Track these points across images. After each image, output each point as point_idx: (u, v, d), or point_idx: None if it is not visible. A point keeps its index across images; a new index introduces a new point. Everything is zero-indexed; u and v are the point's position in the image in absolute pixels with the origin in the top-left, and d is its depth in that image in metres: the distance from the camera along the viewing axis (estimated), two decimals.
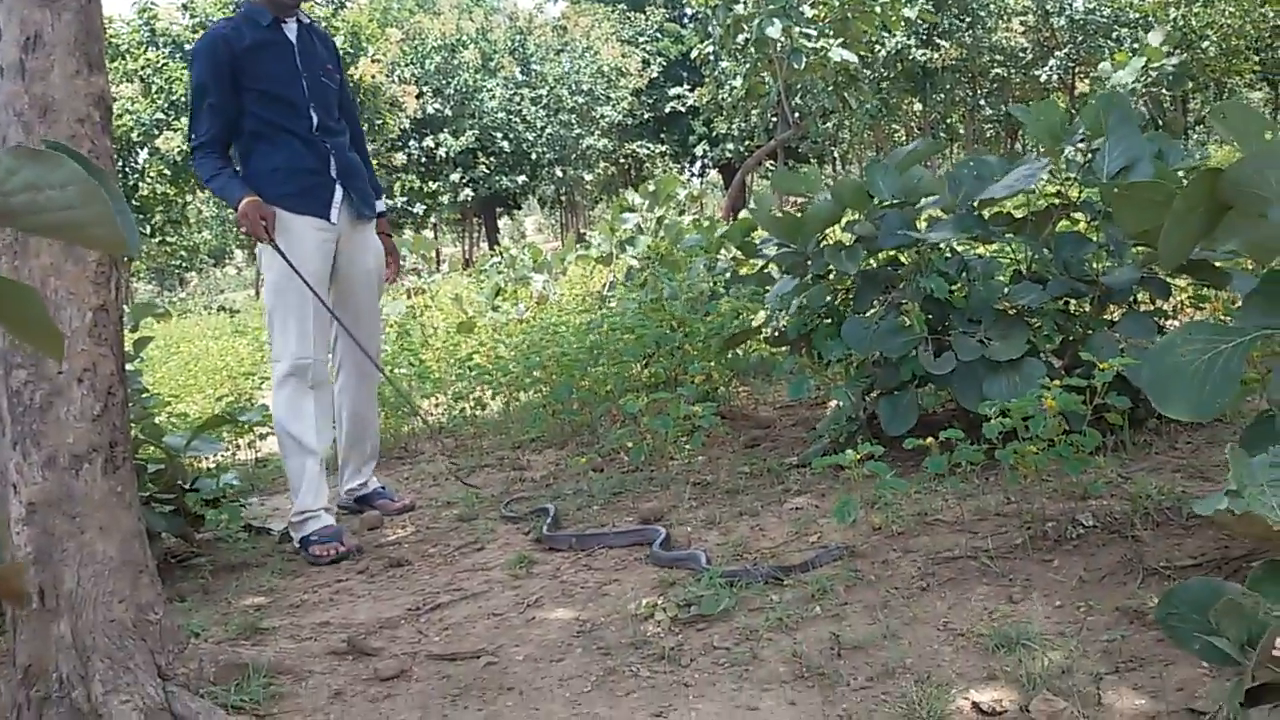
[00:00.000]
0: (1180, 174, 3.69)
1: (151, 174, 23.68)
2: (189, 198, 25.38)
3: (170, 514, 3.86)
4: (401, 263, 4.61)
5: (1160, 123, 21.59)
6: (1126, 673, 2.16)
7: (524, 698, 2.41)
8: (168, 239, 26.27)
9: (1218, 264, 3.85)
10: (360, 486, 4.32)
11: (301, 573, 3.66)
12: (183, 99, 20.80)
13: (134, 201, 23.40)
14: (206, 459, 4.91)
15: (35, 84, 2.45)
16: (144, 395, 4.24)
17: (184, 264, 35.60)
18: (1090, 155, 3.90)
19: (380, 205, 4.18)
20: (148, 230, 24.36)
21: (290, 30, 3.88)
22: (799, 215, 4.41)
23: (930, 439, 3.15)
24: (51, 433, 2.47)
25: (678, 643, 2.59)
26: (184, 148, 21.28)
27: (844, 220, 4.48)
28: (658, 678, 2.43)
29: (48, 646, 2.45)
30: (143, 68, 22.86)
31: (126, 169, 23.38)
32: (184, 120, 20.91)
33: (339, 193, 3.92)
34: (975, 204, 3.96)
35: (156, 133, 22.65)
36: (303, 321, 3.81)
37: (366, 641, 2.82)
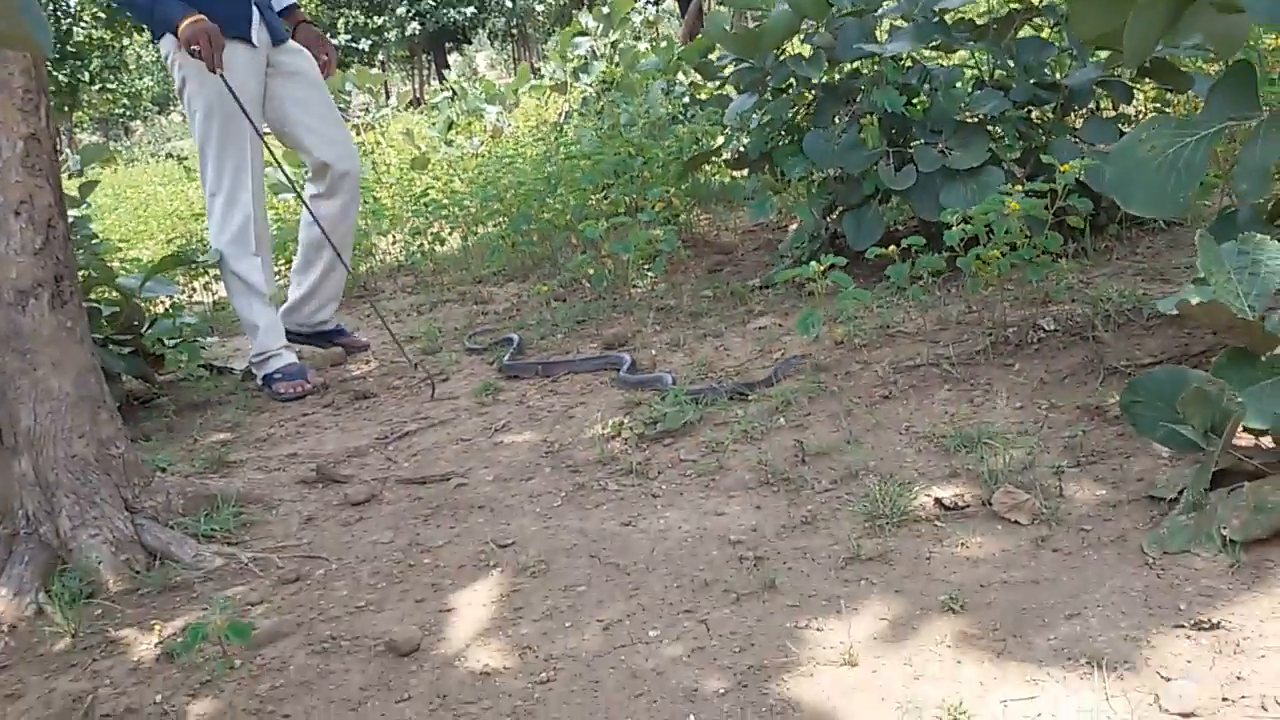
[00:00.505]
0: None
1: (86, 18, 22.69)
2: (126, 41, 24.40)
3: (129, 355, 3.81)
4: (338, 100, 4.36)
5: None
6: (1087, 465, 2.20)
7: (495, 514, 2.43)
8: (108, 85, 25.36)
9: (1181, 67, 3.80)
10: (324, 322, 4.18)
11: (266, 408, 3.64)
12: None
13: (69, 47, 22.49)
14: (162, 301, 4.82)
15: None
16: (94, 240, 4.12)
17: (127, 111, 34.52)
18: None
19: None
20: (86, 77, 23.50)
21: None
22: (756, 29, 4.27)
23: (892, 248, 3.13)
24: None
25: (645, 458, 2.61)
26: None
27: (802, 33, 4.35)
28: (626, 490, 2.45)
29: (10, 484, 2.44)
30: None
31: (58, 12, 22.39)
32: None
33: (256, 13, 3.70)
34: (935, 10, 3.84)
35: None
36: (240, 151, 3.65)
37: (335, 470, 2.83)
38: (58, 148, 2.59)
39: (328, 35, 3.88)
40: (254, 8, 3.68)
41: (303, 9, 4.08)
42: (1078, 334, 2.88)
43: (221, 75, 3.51)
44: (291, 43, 3.86)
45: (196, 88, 3.60)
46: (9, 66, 2.41)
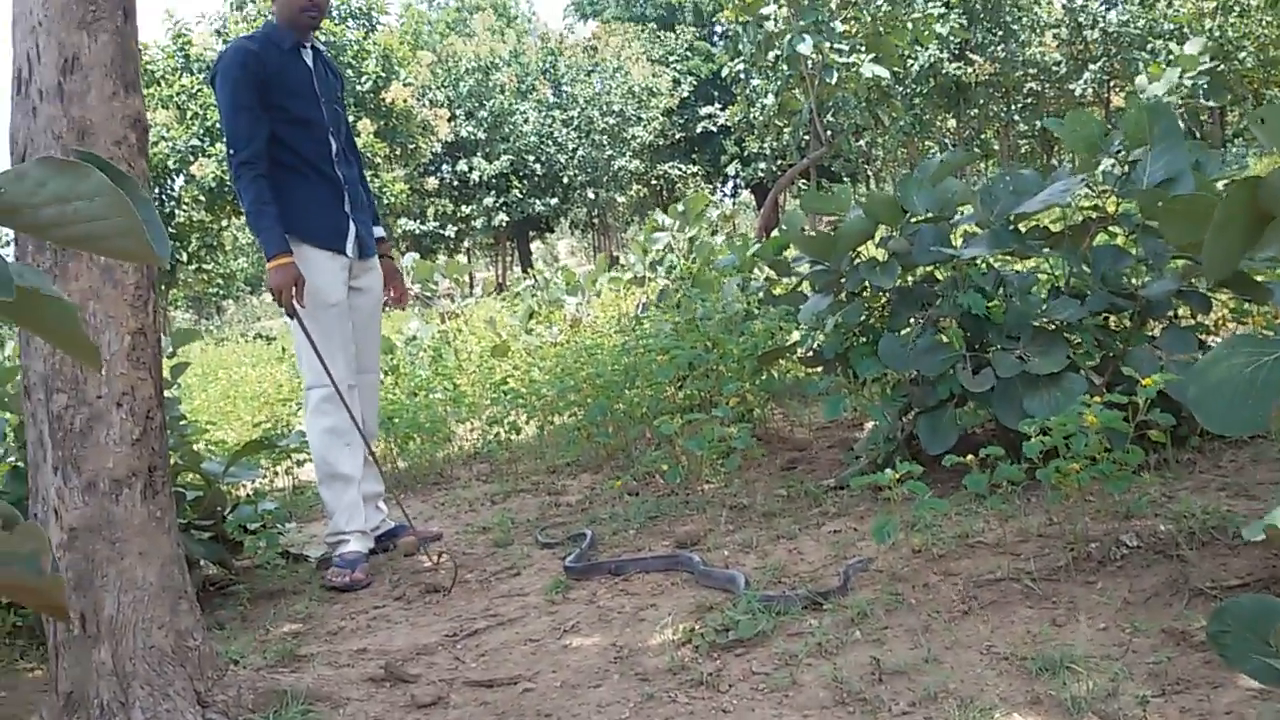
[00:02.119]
0: (1219, 185, 3.64)
1: (187, 200, 23.86)
2: (225, 223, 25.54)
3: (209, 541, 3.88)
4: (426, 288, 4.59)
5: (1198, 135, 21.31)
6: (1173, 695, 2.12)
7: None
8: (204, 266, 26.39)
9: (1259, 277, 3.80)
10: (380, 524, 4.22)
11: (339, 599, 3.66)
12: (217, 125, 20.82)
13: (170, 228, 23.56)
14: (244, 485, 4.93)
15: (73, 106, 2.47)
16: (182, 422, 4.26)
17: (221, 291, 35.84)
18: (1127, 167, 3.86)
19: (379, 231, 4.19)
20: (184, 257, 24.50)
21: (308, 56, 3.90)
22: (831, 233, 4.39)
23: (970, 457, 3.11)
24: (92, 457, 2.49)
25: (716, 668, 2.57)
26: (218, 173, 21.31)
27: (877, 236, 4.45)
28: (696, 704, 2.40)
29: (89, 673, 2.46)
30: (177, 94, 23.03)
31: (163, 196, 23.57)
32: (219, 146, 20.84)
33: (353, 228, 3.95)
34: (1011, 219, 3.92)
35: (192, 159, 22.82)
36: (335, 346, 3.83)
37: (404, 668, 2.82)
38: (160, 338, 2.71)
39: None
40: (351, 223, 3.92)
41: (390, 241, 4.33)
42: (1161, 551, 2.81)
43: (300, 320, 3.74)
44: (374, 267, 4.12)
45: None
46: (124, 263, 2.55)
